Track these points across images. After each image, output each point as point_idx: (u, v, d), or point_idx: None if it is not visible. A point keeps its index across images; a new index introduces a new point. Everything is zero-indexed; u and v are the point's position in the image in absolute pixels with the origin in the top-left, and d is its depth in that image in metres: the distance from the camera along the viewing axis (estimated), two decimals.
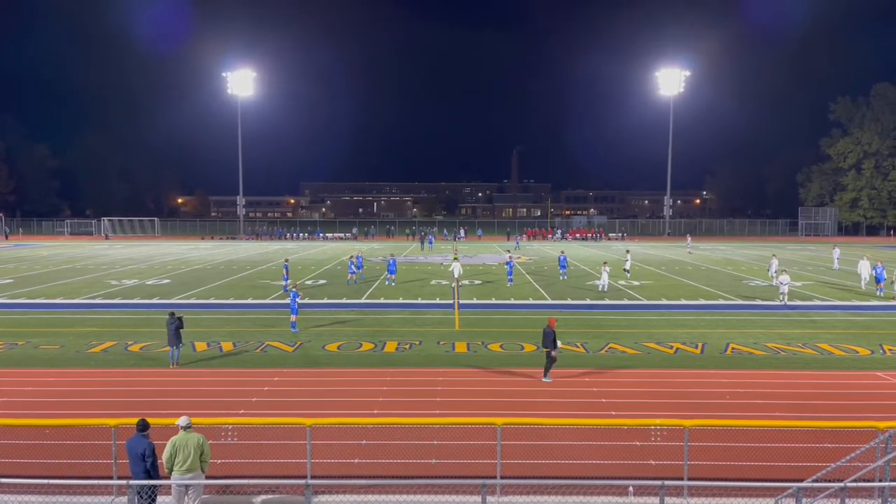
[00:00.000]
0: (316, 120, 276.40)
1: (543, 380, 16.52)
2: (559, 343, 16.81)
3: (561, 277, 37.70)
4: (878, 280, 30.63)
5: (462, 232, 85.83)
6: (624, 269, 38.48)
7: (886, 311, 27.33)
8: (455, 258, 40.07)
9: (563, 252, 42.09)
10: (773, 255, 37.73)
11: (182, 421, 9.40)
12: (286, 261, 34.36)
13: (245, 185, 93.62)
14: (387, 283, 34.96)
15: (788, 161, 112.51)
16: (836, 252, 44.48)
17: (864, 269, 32.76)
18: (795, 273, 40.98)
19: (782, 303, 28.09)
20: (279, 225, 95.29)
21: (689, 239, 64.13)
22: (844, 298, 30.38)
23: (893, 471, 10.03)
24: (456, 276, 33.42)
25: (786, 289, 28.04)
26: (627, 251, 42.93)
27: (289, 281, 32.16)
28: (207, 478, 10.38)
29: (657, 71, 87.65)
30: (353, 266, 35.56)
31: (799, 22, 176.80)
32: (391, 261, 35.96)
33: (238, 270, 42.53)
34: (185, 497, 9.25)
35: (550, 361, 16.55)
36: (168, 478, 9.37)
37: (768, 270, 35.34)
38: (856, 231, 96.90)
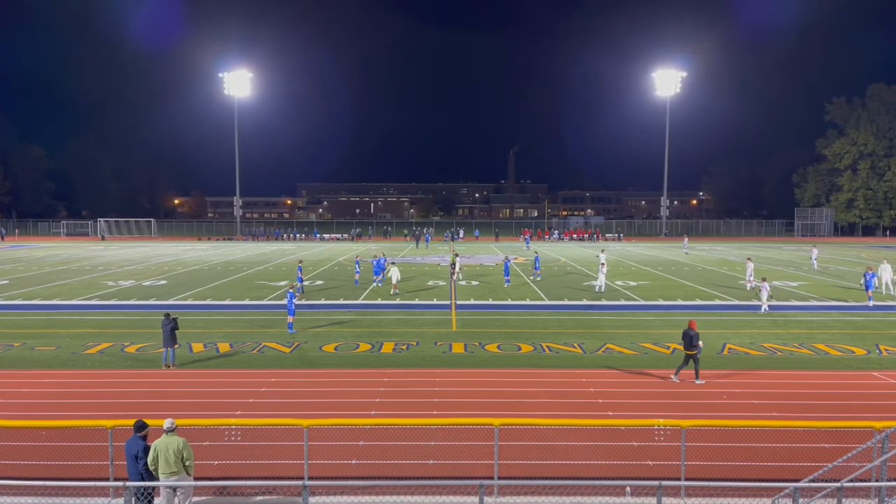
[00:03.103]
0: (313, 121, 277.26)
1: (696, 382, 16.44)
2: (701, 344, 16.68)
3: (533, 278, 37.68)
4: (867, 287, 28.54)
5: (461, 232, 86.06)
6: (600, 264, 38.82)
7: (883, 311, 27.38)
8: (454, 259, 40.02)
9: (536, 253, 45.04)
10: (749, 258, 36.68)
11: (166, 424, 9.36)
12: (300, 262, 34.26)
13: (242, 185, 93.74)
14: (375, 283, 34.69)
15: (784, 162, 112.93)
16: (814, 252, 44.55)
17: (886, 272, 31.74)
18: (791, 274, 41.13)
19: (763, 310, 26.52)
20: (276, 226, 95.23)
21: (686, 240, 64.47)
22: (841, 299, 30.43)
23: (890, 470, 10.07)
24: (394, 281, 31.80)
25: (765, 296, 26.58)
26: (602, 251, 42.21)
27: (304, 282, 32.08)
28: (205, 479, 10.38)
29: (654, 71, 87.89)
30: (357, 266, 36.32)
31: (794, 23, 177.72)
32: (376, 261, 35.75)
33: (235, 271, 42.47)
34: (175, 499, 9.23)
35: (697, 362, 16.49)
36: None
37: (746, 275, 34.58)
38: (852, 231, 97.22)
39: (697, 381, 16.47)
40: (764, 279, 28.49)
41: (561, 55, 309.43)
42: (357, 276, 35.94)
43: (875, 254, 56.90)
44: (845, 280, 37.40)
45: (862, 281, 29.79)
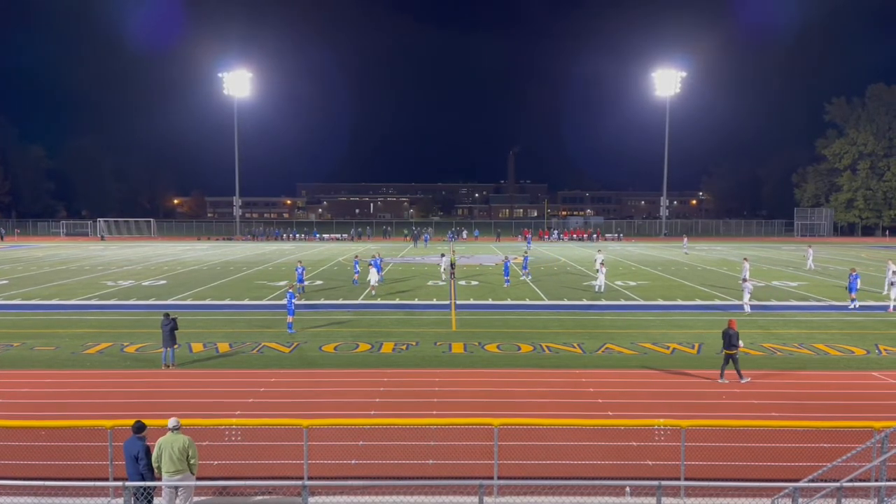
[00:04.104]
0: (312, 121, 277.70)
1: (724, 381, 16.50)
2: (741, 343, 16.76)
3: (522, 277, 37.68)
4: (850, 290, 27.84)
5: (464, 232, 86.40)
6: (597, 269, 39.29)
7: (882, 311, 27.37)
8: (454, 259, 39.91)
9: (526, 253, 45.19)
10: (745, 258, 36.70)
11: (170, 422, 9.36)
12: (300, 262, 34.11)
13: (241, 185, 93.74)
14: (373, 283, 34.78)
15: (784, 162, 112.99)
16: (810, 252, 44.65)
17: (889, 272, 31.77)
18: (791, 274, 41.16)
19: (746, 310, 26.49)
20: (276, 226, 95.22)
21: (686, 240, 64.63)
22: (840, 299, 30.40)
23: (890, 470, 10.07)
24: (373, 283, 31.18)
25: (748, 296, 26.62)
26: (599, 251, 42.84)
27: (304, 283, 31.93)
28: (205, 479, 10.38)
29: (654, 71, 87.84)
30: (361, 266, 36.64)
31: (794, 23, 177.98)
32: (373, 261, 35.79)
33: (234, 271, 42.46)
34: (176, 499, 9.23)
35: (736, 361, 16.54)
36: (161, 480, 9.34)
37: (741, 275, 34.37)
38: (851, 231, 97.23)
39: (721, 380, 16.50)
40: (745, 280, 28.46)
41: (561, 55, 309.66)
42: (356, 276, 35.99)
43: (874, 254, 56.93)
44: (844, 280, 37.34)
45: (847, 283, 28.91)
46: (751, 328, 23.41)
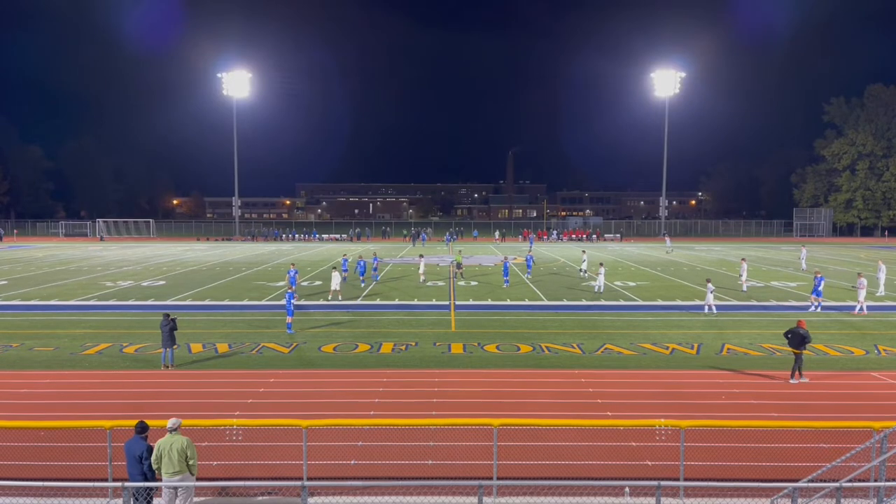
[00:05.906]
0: (312, 121, 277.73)
1: (795, 381, 16.54)
2: (808, 344, 16.91)
3: (526, 276, 38.21)
4: (815, 292, 27.45)
5: (480, 233, 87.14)
6: (580, 269, 40.36)
7: (881, 311, 27.39)
8: (459, 259, 39.93)
9: (530, 252, 46.03)
10: (743, 258, 36.60)
11: (170, 423, 9.35)
12: (293, 265, 33.90)
13: (240, 186, 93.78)
14: (363, 283, 35.09)
15: (783, 162, 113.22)
16: (803, 252, 44.64)
17: (882, 273, 31.77)
18: (790, 274, 41.18)
19: (708, 309, 26.45)
20: (274, 226, 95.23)
21: (668, 240, 65.46)
22: (839, 299, 30.44)
23: (889, 470, 10.08)
24: (335, 287, 29.67)
25: (711, 297, 26.49)
26: (583, 251, 44.18)
27: (296, 285, 31.58)
28: (204, 480, 10.38)
29: (653, 72, 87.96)
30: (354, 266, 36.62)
31: (793, 24, 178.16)
32: (361, 262, 35.85)
33: (233, 272, 42.43)
34: (177, 499, 9.23)
35: (801, 362, 16.64)
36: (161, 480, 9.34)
37: (739, 276, 34.19)
38: (850, 232, 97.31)
39: (795, 380, 16.52)
40: (708, 280, 28.37)
41: (560, 55, 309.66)
42: (345, 274, 35.95)
43: (873, 254, 56.99)
44: (843, 280, 37.44)
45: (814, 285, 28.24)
46: (750, 328, 23.44)
